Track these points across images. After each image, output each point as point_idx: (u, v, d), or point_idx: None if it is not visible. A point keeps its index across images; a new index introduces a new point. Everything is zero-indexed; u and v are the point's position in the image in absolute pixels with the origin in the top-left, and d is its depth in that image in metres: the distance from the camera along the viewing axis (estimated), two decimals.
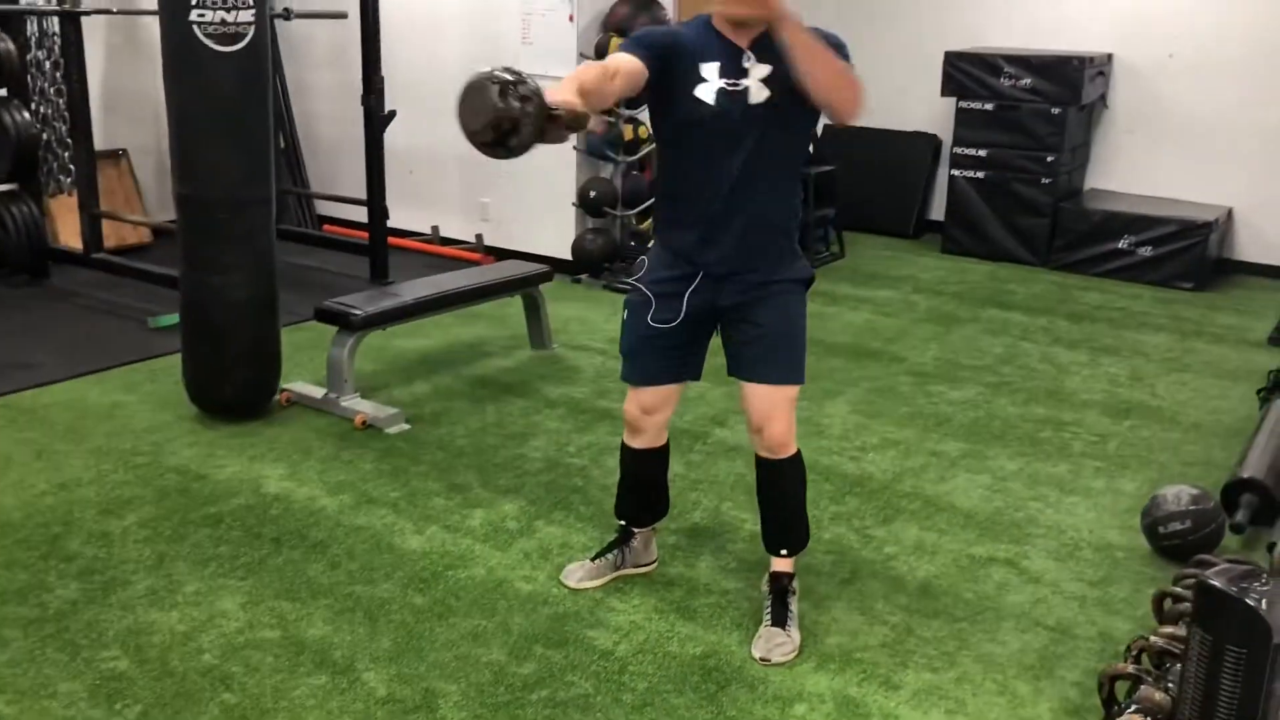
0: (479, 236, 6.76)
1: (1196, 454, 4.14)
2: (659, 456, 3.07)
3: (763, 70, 2.61)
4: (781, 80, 2.59)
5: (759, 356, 2.77)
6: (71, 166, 6.31)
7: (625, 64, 2.52)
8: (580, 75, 2.46)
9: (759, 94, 2.61)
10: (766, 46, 2.59)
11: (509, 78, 2.26)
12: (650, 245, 2.91)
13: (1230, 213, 6.87)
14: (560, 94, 2.33)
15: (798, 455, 2.87)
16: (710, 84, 2.61)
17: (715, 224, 2.70)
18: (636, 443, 3.02)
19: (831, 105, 2.59)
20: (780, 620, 2.84)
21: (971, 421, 4.38)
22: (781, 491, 2.90)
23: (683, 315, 2.77)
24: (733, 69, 2.61)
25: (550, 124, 2.26)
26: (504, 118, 2.21)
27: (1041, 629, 2.95)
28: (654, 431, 2.99)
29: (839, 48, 2.65)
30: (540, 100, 2.23)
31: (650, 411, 2.94)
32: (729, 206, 2.68)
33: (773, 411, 2.77)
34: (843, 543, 3.38)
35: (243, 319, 4.04)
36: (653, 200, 6.27)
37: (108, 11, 5.90)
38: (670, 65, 2.60)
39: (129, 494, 3.56)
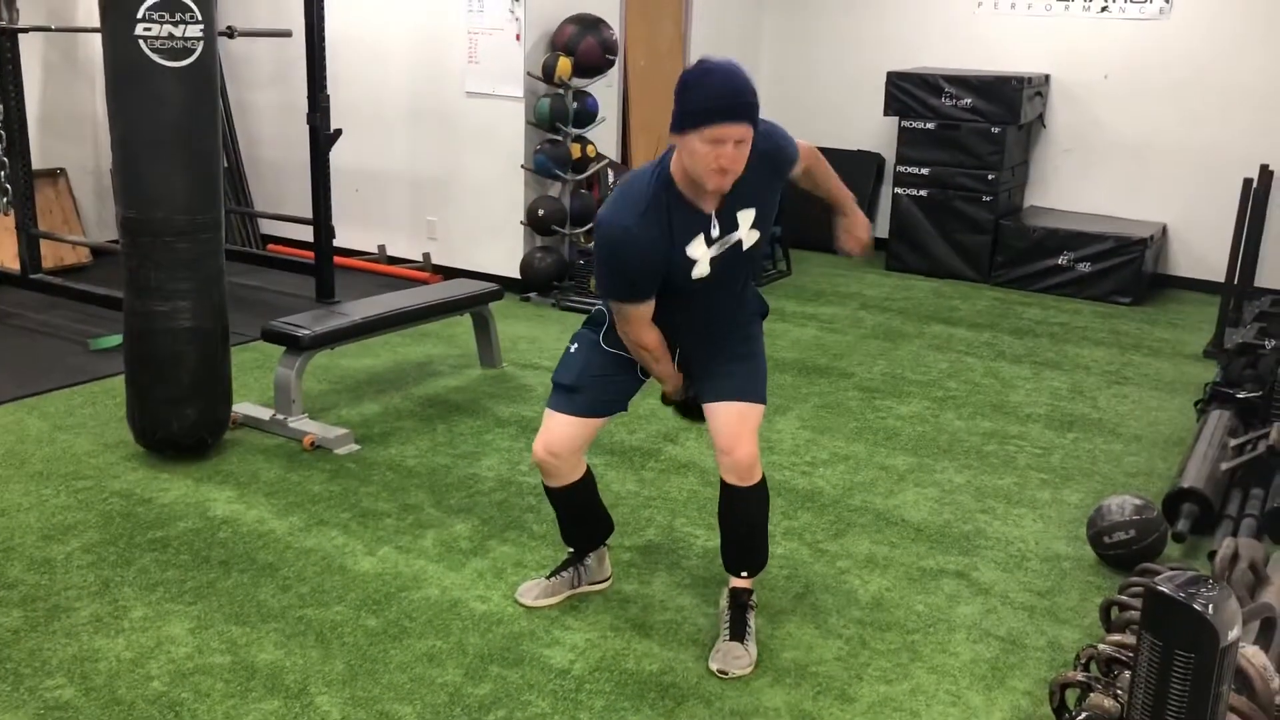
0: (426, 255, 6.73)
1: (1138, 465, 4.23)
2: (578, 489, 3.01)
3: (749, 216, 2.64)
4: (763, 213, 2.67)
5: (725, 376, 2.80)
6: (8, 186, 6.18)
7: (648, 312, 2.67)
8: (659, 356, 2.76)
9: (751, 236, 2.68)
10: (737, 190, 2.56)
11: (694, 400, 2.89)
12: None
13: (1165, 229, 7.05)
14: (673, 379, 2.85)
15: (763, 481, 2.86)
16: (702, 260, 2.62)
17: (688, 331, 2.81)
18: (551, 483, 2.97)
19: None
20: (739, 634, 2.85)
21: (919, 436, 4.44)
22: (747, 518, 2.89)
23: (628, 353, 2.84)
24: (720, 229, 2.62)
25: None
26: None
27: (992, 639, 2.99)
28: (566, 469, 2.92)
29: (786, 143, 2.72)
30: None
31: (558, 453, 2.86)
32: (707, 320, 2.79)
33: (740, 432, 2.76)
34: (795, 557, 3.40)
35: (192, 349, 3.86)
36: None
37: (45, 29, 5.81)
38: (661, 270, 2.60)
39: (71, 519, 3.49)
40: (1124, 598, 2.74)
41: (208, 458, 3.97)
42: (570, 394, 2.84)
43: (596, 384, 2.84)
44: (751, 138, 2.46)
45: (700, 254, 2.61)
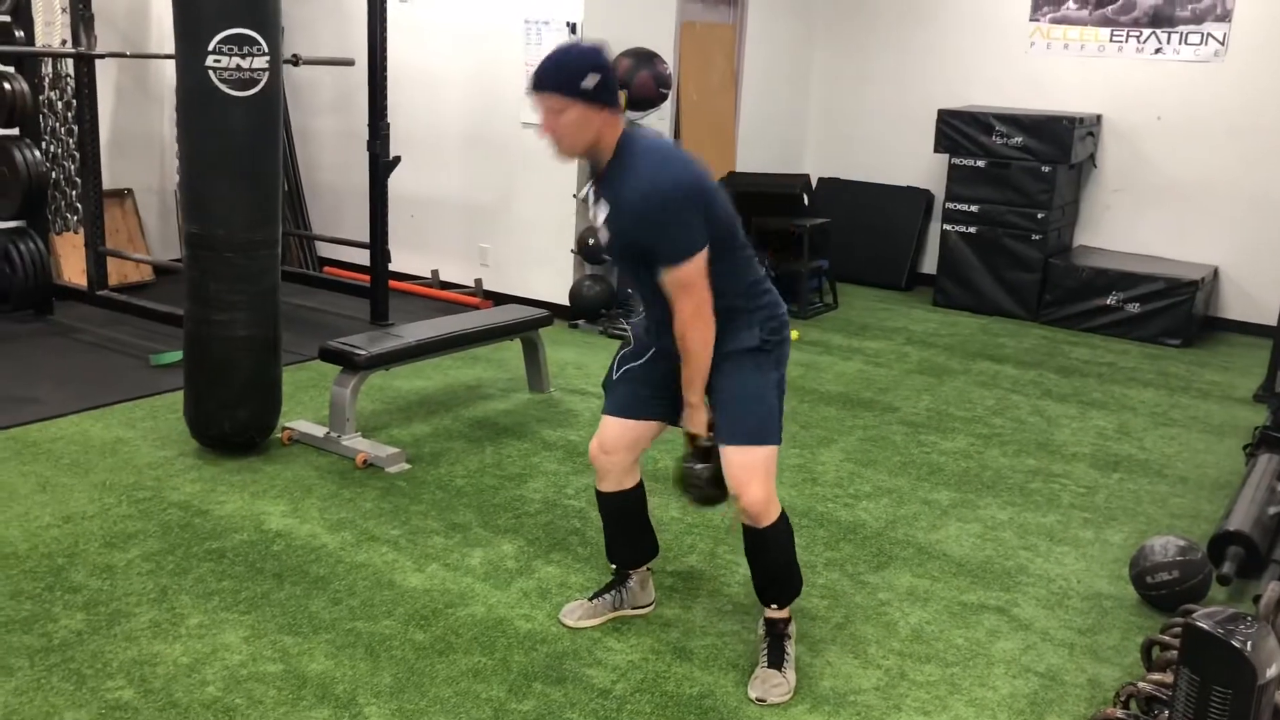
0: (478, 281, 6.85)
1: (1184, 506, 4.21)
2: (629, 499, 3.08)
3: (604, 211, 2.72)
4: (615, 223, 2.69)
5: (723, 420, 2.79)
6: (79, 205, 6.39)
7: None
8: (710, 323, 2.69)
9: (603, 233, 2.76)
10: (608, 181, 2.68)
11: (698, 474, 2.87)
12: None
13: (1216, 271, 7.01)
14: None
15: (780, 521, 2.84)
16: (598, 219, 2.76)
17: (651, 318, 2.88)
18: (603, 485, 3.06)
19: (710, 336, 2.73)
20: (776, 662, 2.88)
21: (963, 471, 4.45)
22: (766, 557, 2.90)
23: (646, 358, 2.91)
24: (595, 204, 2.75)
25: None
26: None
27: (1032, 675, 3.00)
28: (616, 472, 3.01)
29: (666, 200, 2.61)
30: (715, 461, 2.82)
31: (608, 450, 2.97)
32: (656, 309, 2.81)
33: (747, 476, 2.75)
34: (836, 588, 3.43)
35: (245, 356, 4.09)
36: None
37: (121, 55, 6.03)
38: None
39: (132, 528, 3.60)
40: (1166, 637, 2.75)
41: (263, 472, 4.08)
42: (609, 392, 2.99)
43: (628, 378, 2.94)
44: (564, 108, 2.57)
45: (592, 202, 2.77)
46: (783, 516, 2.87)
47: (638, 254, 2.70)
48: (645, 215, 2.60)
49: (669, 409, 2.93)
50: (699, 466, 2.85)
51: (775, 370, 2.80)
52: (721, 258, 2.68)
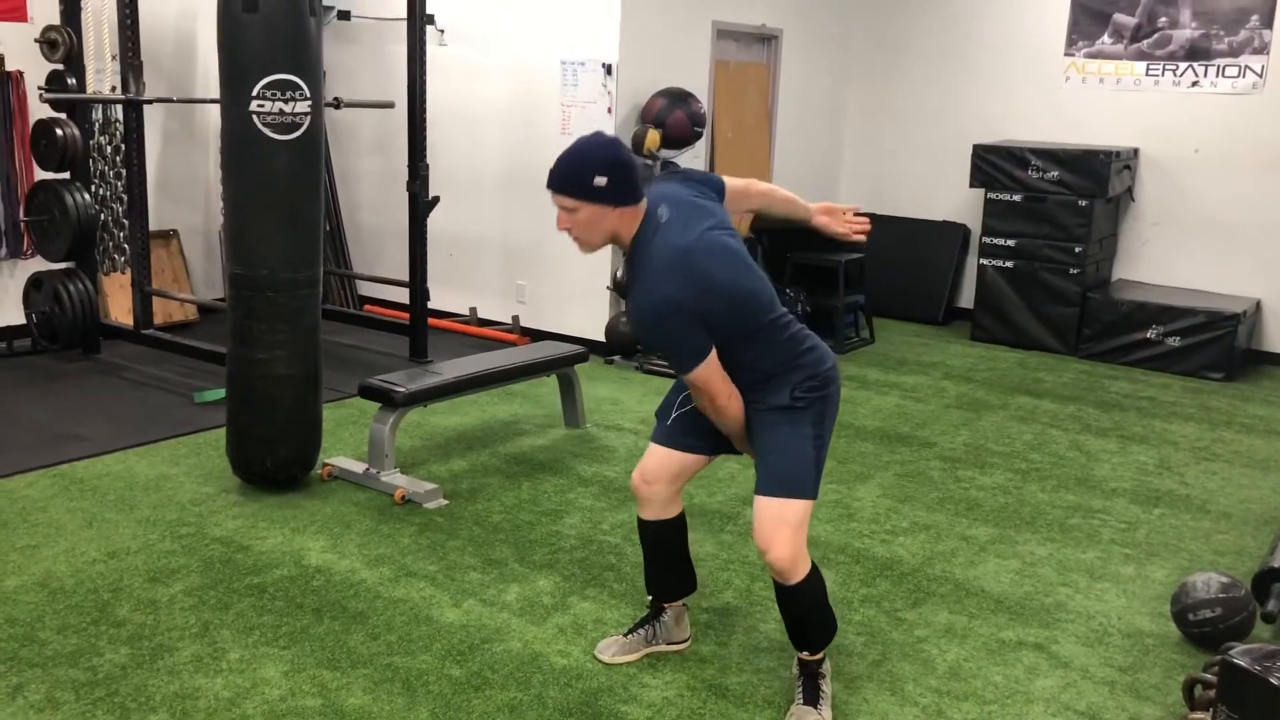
0: (516, 318, 6.91)
1: (1227, 543, 4.16)
2: (671, 529, 3.10)
3: None
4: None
5: (759, 470, 2.80)
6: (126, 246, 6.53)
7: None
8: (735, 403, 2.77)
9: None
10: (634, 267, 2.71)
11: None
12: None
13: (1259, 304, 6.93)
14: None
15: (809, 577, 2.81)
16: None
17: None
18: (644, 514, 3.08)
19: (739, 410, 2.82)
20: (812, 699, 2.87)
21: (1001, 507, 4.42)
22: (796, 609, 2.89)
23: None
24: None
25: None
26: None
27: (1072, 713, 2.96)
28: (657, 502, 3.03)
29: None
30: None
31: (651, 480, 3.00)
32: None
33: (774, 532, 2.72)
34: (873, 624, 3.42)
35: (287, 394, 4.15)
36: None
37: (168, 100, 6.18)
38: None
39: (175, 563, 3.66)
40: (1208, 676, 2.71)
41: (303, 508, 4.13)
42: (660, 421, 3.01)
43: (671, 411, 2.97)
44: (576, 207, 2.62)
45: None
46: (813, 572, 2.83)
47: None
48: (647, 329, 2.70)
49: (717, 444, 2.97)
50: None
51: (813, 426, 2.76)
52: (747, 344, 2.71)
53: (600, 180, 2.59)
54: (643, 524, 3.10)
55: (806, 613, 2.89)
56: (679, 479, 3.02)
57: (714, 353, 2.65)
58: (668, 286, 2.58)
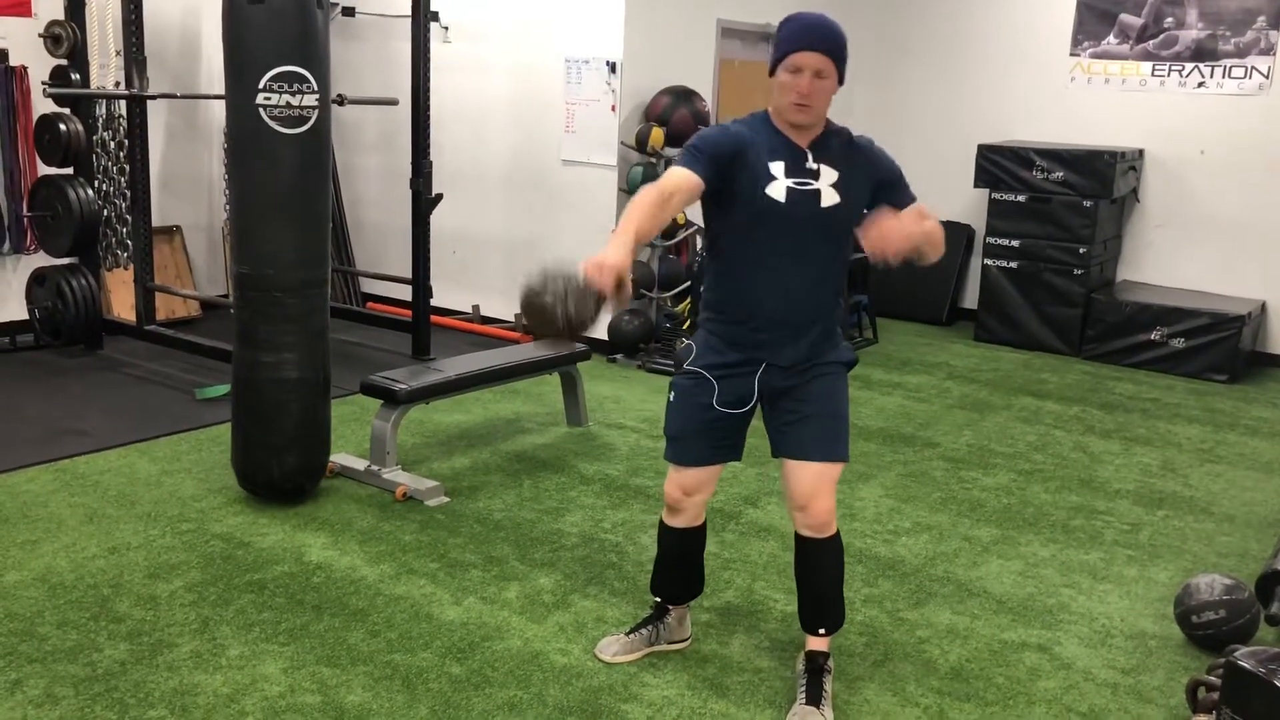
0: (518, 316, 6.90)
1: (1231, 545, 4.14)
2: (697, 535, 3.11)
3: (831, 175, 2.72)
4: (848, 187, 2.72)
5: (808, 434, 2.81)
6: (129, 241, 6.53)
7: (683, 182, 2.62)
8: (637, 219, 2.51)
9: (830, 198, 2.71)
10: (825, 148, 2.73)
11: (559, 287, 2.42)
12: (697, 332, 2.95)
13: (1263, 306, 6.91)
14: (615, 254, 2.40)
15: (838, 535, 2.89)
16: (779, 182, 2.68)
17: (772, 317, 2.77)
18: (677, 522, 3.06)
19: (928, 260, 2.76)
20: (815, 699, 2.86)
21: (1004, 508, 4.41)
22: (822, 571, 2.91)
23: (755, 399, 2.85)
24: (799, 169, 2.70)
25: (603, 299, 2.43)
26: (571, 322, 2.43)
27: (1074, 715, 2.95)
28: (694, 511, 3.03)
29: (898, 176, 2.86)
30: (592, 294, 2.40)
31: (691, 493, 2.98)
32: (787, 301, 2.76)
33: (818, 489, 2.80)
34: (875, 625, 3.41)
35: (295, 399, 4.02)
36: (688, 284, 6.41)
37: (172, 95, 6.17)
38: (735, 166, 2.67)
39: (176, 559, 3.65)
40: (1212, 678, 2.70)
41: (304, 505, 4.12)
42: (678, 444, 2.95)
43: (697, 431, 2.90)
44: (832, 74, 2.62)
45: (779, 173, 2.69)
46: (839, 535, 2.90)
47: (854, 214, 2.74)
48: (886, 164, 2.80)
49: (738, 451, 2.96)
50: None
51: (848, 388, 2.92)
52: (845, 263, 2.85)
53: (846, 55, 2.66)
54: (672, 531, 3.08)
55: (830, 578, 2.92)
56: (714, 486, 3.04)
57: None
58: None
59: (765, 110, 2.78)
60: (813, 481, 2.80)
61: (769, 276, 2.74)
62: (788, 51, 2.64)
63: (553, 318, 2.43)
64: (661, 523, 3.11)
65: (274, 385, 4.01)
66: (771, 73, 2.71)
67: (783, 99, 2.68)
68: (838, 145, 2.76)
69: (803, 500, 2.81)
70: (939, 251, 2.76)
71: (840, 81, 2.69)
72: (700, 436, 2.89)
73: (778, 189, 2.67)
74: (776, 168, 2.69)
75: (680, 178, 2.62)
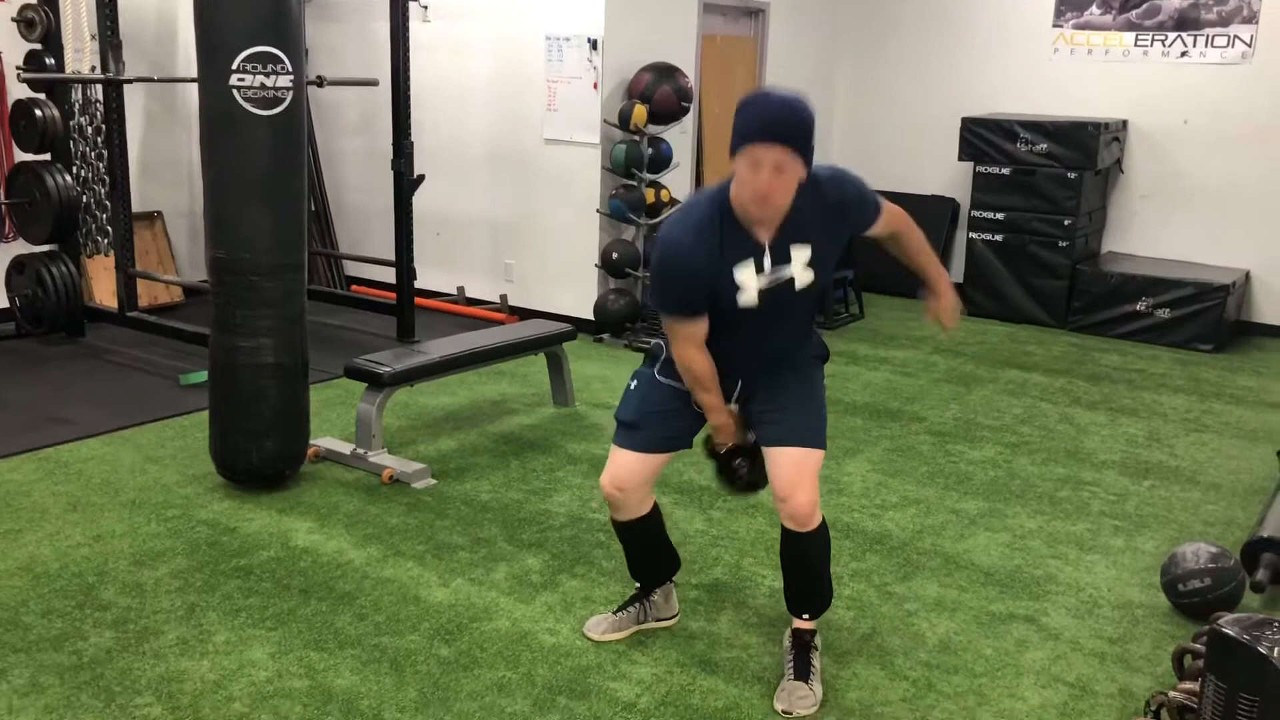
0: (503, 297, 6.88)
1: (1216, 513, 4.16)
2: (649, 524, 3.07)
3: (804, 254, 2.64)
4: (823, 256, 2.68)
5: (785, 424, 2.79)
6: (109, 228, 6.48)
7: (697, 329, 2.69)
8: (707, 384, 2.74)
9: (804, 278, 2.67)
10: (794, 226, 2.61)
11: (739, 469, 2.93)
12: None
13: (1247, 275, 6.93)
14: (720, 418, 2.84)
15: (822, 526, 2.86)
16: (749, 290, 2.62)
17: (749, 366, 2.83)
18: (621, 516, 3.03)
19: None
20: (803, 674, 2.87)
21: (991, 480, 4.42)
22: (806, 562, 2.90)
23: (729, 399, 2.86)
24: (771, 262, 2.62)
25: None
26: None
27: (1061, 685, 2.96)
28: (633, 504, 2.98)
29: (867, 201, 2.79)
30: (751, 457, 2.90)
31: (624, 488, 2.92)
32: (764, 352, 2.80)
33: (799, 479, 2.76)
34: (863, 599, 3.41)
35: (273, 385, 3.99)
36: None
37: (149, 79, 6.11)
38: (710, 296, 2.63)
39: (161, 546, 3.63)
40: (1198, 646, 2.71)
41: (290, 490, 4.10)
42: (631, 430, 2.90)
43: (655, 419, 2.89)
44: (794, 165, 2.45)
45: (748, 282, 2.61)
46: (824, 524, 2.87)
47: (830, 266, 2.76)
48: (844, 193, 2.66)
49: (690, 439, 2.94)
50: (740, 462, 2.91)
51: (822, 377, 2.95)
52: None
53: (812, 140, 2.48)
54: (620, 525, 3.06)
55: (813, 567, 2.91)
56: (650, 480, 2.98)
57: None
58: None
59: (727, 188, 2.58)
60: (793, 471, 2.76)
61: (748, 339, 2.77)
62: (744, 141, 2.44)
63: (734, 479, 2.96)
64: (611, 519, 3.08)
65: (251, 370, 3.98)
66: (731, 155, 2.49)
67: (741, 193, 2.50)
68: (808, 212, 2.59)
69: (784, 492, 2.78)
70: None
71: (807, 165, 2.50)
72: (657, 425, 2.89)
73: (749, 297, 2.64)
74: (744, 275, 2.60)
75: (693, 328, 2.69)
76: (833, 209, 2.66)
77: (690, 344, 2.70)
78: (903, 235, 2.90)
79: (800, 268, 2.65)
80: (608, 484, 2.94)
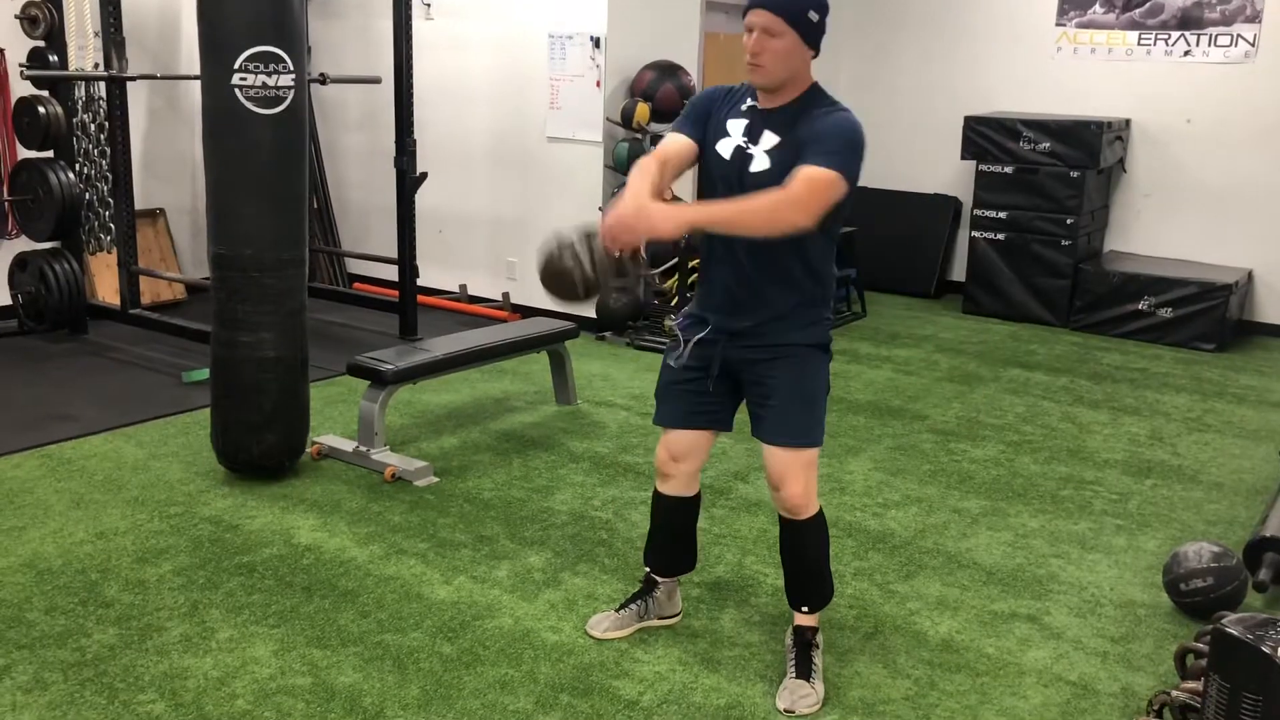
0: (506, 295, 6.88)
1: (1219, 513, 4.15)
2: (687, 506, 3.10)
3: (771, 140, 2.65)
4: (784, 156, 2.60)
5: (772, 418, 2.79)
6: (112, 225, 6.48)
7: (673, 147, 2.70)
8: (643, 179, 2.57)
9: (759, 163, 2.64)
10: (786, 114, 2.65)
11: (579, 247, 2.61)
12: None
13: (1250, 274, 6.92)
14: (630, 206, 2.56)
15: (818, 516, 2.87)
16: (731, 140, 2.70)
17: (724, 281, 2.77)
18: (665, 487, 3.05)
19: (780, 233, 2.54)
20: (804, 672, 2.87)
21: (993, 479, 4.42)
22: (801, 551, 2.91)
23: (686, 358, 2.84)
24: (752, 132, 2.69)
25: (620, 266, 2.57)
26: (589, 285, 2.59)
27: (1064, 684, 2.96)
28: (682, 479, 3.02)
29: (837, 134, 2.57)
30: (613, 256, 2.55)
31: (677, 458, 2.97)
32: (735, 268, 2.74)
33: (787, 473, 2.78)
34: (865, 597, 3.41)
35: (273, 379, 4.03)
36: (676, 260, 6.39)
37: (152, 76, 6.11)
38: (708, 122, 2.73)
39: (164, 543, 3.63)
40: (1200, 645, 2.71)
41: (292, 487, 4.11)
42: (658, 405, 2.97)
43: (674, 394, 2.91)
44: (785, 32, 2.55)
45: (734, 131, 2.69)
46: (821, 513, 2.88)
47: (785, 168, 2.55)
48: (829, 130, 2.55)
49: (720, 421, 2.94)
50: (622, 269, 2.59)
51: (827, 371, 2.85)
52: (828, 231, 2.67)
53: (814, 15, 2.58)
54: (664, 499, 3.07)
55: (811, 558, 2.91)
56: (702, 454, 3.00)
57: (847, 192, 2.55)
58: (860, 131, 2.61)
59: None
60: (781, 465, 2.78)
61: (720, 242, 2.74)
62: (744, 13, 2.64)
63: (572, 281, 2.57)
64: (654, 490, 3.10)
65: (252, 365, 4.02)
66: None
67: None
68: (801, 114, 2.63)
69: (775, 482, 2.81)
70: (753, 231, 2.58)
71: (808, 45, 2.61)
72: (672, 397, 2.91)
73: (726, 146, 2.70)
74: (735, 126, 2.71)
75: (672, 140, 2.72)
76: (816, 124, 2.61)
77: (661, 153, 2.69)
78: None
79: (762, 150, 2.67)
80: (663, 454, 3.00)
